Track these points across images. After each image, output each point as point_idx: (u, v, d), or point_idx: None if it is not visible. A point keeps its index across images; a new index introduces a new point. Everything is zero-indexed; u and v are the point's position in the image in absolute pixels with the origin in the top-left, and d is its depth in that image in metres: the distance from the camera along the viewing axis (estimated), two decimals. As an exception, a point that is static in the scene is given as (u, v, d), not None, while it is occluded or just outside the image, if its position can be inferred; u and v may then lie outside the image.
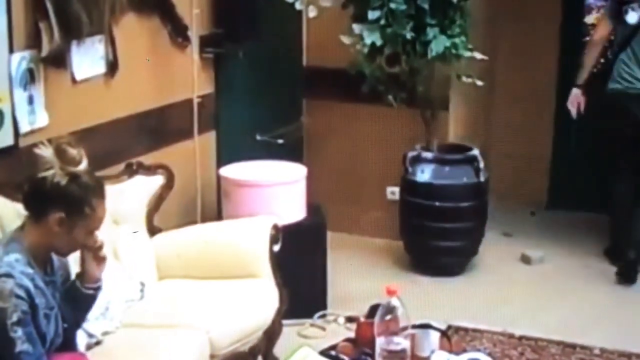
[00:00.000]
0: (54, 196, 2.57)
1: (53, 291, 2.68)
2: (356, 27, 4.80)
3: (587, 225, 5.88)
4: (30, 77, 3.58)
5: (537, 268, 5.36)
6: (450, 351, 3.03)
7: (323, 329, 4.49)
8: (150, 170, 4.04)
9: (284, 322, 4.00)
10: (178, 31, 4.50)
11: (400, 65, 4.96)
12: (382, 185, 5.66)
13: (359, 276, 5.04)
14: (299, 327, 4.43)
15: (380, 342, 2.82)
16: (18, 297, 2.49)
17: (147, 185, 4.01)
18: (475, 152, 5.21)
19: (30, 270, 2.57)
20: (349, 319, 4.42)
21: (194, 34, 4.58)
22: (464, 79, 5.11)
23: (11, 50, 3.48)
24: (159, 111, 4.43)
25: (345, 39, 4.87)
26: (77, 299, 2.77)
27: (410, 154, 5.19)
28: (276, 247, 3.95)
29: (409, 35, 4.77)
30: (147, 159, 4.18)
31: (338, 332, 4.26)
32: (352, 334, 3.24)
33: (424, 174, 5.13)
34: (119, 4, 4.03)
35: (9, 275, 2.50)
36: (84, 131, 3.77)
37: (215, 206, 4.76)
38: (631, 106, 5.10)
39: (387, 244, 5.54)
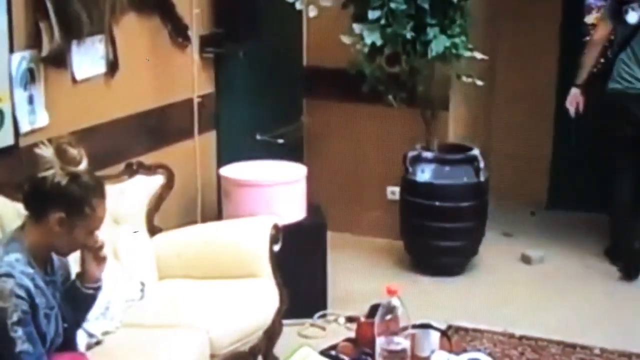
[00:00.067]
0: (54, 196, 2.57)
1: (53, 291, 2.68)
2: (356, 27, 4.80)
3: (587, 225, 5.88)
4: (30, 77, 3.58)
5: (537, 268, 5.36)
6: (451, 351, 3.03)
7: (323, 328, 4.49)
8: (150, 170, 4.04)
9: (284, 322, 4.00)
10: (178, 31, 4.50)
11: (400, 65, 4.96)
12: (383, 185, 5.66)
13: (359, 276, 5.04)
14: (299, 327, 4.43)
15: (380, 342, 2.82)
16: (18, 296, 2.49)
17: (147, 185, 4.01)
18: (476, 152, 5.21)
19: (30, 270, 2.57)
20: (349, 319, 4.42)
21: (194, 33, 4.58)
22: (464, 78, 5.11)
23: (11, 50, 3.48)
24: (159, 111, 4.43)
25: (345, 39, 4.87)
26: (77, 299, 2.77)
27: (411, 153, 5.19)
28: (276, 247, 3.95)
29: (409, 35, 4.77)
30: (147, 158, 4.18)
31: (338, 332, 4.26)
32: (352, 334, 3.24)
33: (424, 174, 5.13)
34: (119, 4, 4.03)
35: (9, 275, 2.50)
36: (84, 131, 3.77)
37: (215, 206, 4.76)
38: (631, 106, 5.10)
39: (387, 243, 5.54)
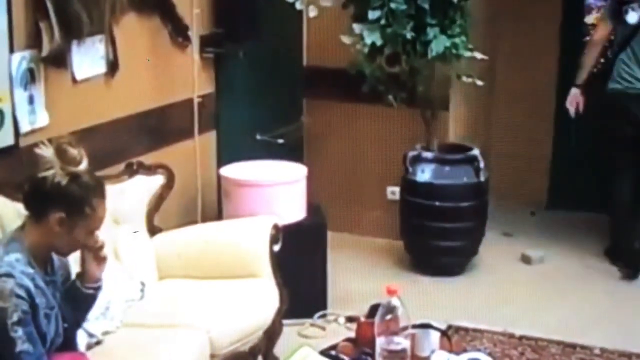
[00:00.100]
0: (55, 196, 2.57)
1: (53, 291, 2.68)
2: (356, 27, 4.80)
3: (587, 225, 5.88)
4: (30, 77, 3.58)
5: (537, 268, 5.36)
6: (451, 351, 3.03)
7: (323, 328, 4.49)
8: (150, 170, 4.04)
9: (284, 322, 4.00)
10: (178, 31, 4.50)
11: (400, 65, 4.96)
12: (383, 185, 5.66)
13: (359, 276, 5.05)
14: (299, 327, 4.43)
15: (380, 342, 2.82)
16: (18, 296, 2.49)
17: (147, 185, 4.01)
18: (476, 152, 5.21)
19: (30, 270, 2.57)
20: (349, 319, 4.42)
21: (194, 33, 4.58)
22: (464, 78, 5.11)
23: (11, 50, 3.48)
24: (159, 111, 4.43)
25: (346, 39, 4.87)
26: (77, 299, 2.77)
27: (411, 153, 5.19)
28: (276, 247, 3.95)
29: (409, 35, 4.77)
30: (148, 158, 4.18)
31: (338, 332, 4.26)
32: (352, 334, 3.24)
33: (424, 174, 5.13)
34: (120, 4, 4.03)
35: (9, 275, 2.50)
36: (84, 131, 3.77)
37: (215, 206, 4.76)
38: (631, 106, 5.10)
39: (387, 243, 5.54)
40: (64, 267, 2.82)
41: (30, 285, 2.53)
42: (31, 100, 3.59)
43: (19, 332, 2.48)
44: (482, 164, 5.16)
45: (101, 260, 2.76)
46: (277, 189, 4.41)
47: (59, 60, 3.69)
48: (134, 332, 3.41)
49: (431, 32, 4.78)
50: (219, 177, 4.58)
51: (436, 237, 5.12)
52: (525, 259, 5.43)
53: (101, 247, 2.73)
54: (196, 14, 4.56)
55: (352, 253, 5.41)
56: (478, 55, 5.01)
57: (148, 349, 3.27)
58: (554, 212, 6.21)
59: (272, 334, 3.87)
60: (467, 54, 4.94)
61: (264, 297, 3.84)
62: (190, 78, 4.61)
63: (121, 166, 4.00)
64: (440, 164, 5.15)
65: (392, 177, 5.45)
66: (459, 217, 5.13)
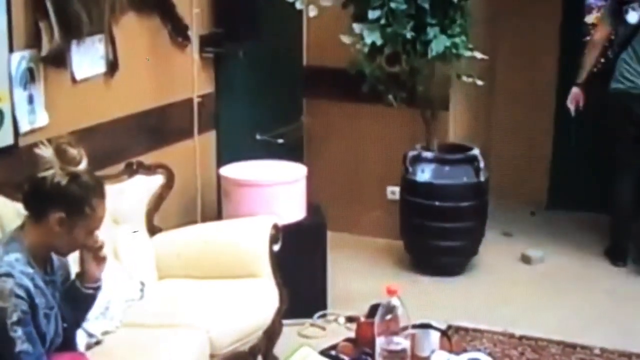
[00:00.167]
0: (54, 196, 2.57)
1: (53, 291, 2.68)
2: (356, 27, 4.80)
3: (587, 225, 5.88)
4: (30, 77, 3.58)
5: (537, 268, 5.36)
6: (451, 351, 3.03)
7: (323, 328, 4.49)
8: (150, 169, 4.04)
9: (284, 321, 4.00)
10: (178, 31, 4.50)
11: (400, 64, 4.96)
12: (382, 185, 5.66)
13: (359, 276, 5.04)
14: (299, 326, 4.43)
15: (380, 342, 2.82)
16: (18, 296, 2.48)
17: (147, 185, 4.00)
18: (476, 151, 5.21)
19: (30, 270, 2.57)
20: (349, 319, 4.42)
21: (194, 33, 4.58)
22: (464, 78, 5.11)
23: (11, 49, 3.48)
24: (159, 111, 4.43)
25: (346, 39, 4.87)
26: (77, 299, 2.77)
27: (411, 153, 5.19)
28: (276, 247, 3.95)
29: (409, 35, 4.77)
30: (147, 158, 4.18)
31: (338, 331, 4.26)
32: (352, 334, 3.24)
33: (424, 174, 5.13)
34: (119, 4, 4.03)
35: (9, 275, 2.50)
36: (84, 131, 3.77)
37: (215, 206, 4.76)
38: (634, 106, 5.10)
39: (387, 243, 5.54)
40: (64, 267, 2.81)
41: (30, 285, 2.53)
42: (31, 100, 3.59)
43: (19, 332, 2.48)
44: (482, 164, 5.15)
45: (101, 260, 2.76)
46: (277, 189, 4.41)
47: (59, 60, 3.69)
48: (133, 332, 3.41)
49: (431, 31, 4.78)
50: (218, 177, 4.58)
51: (436, 237, 5.12)
52: (525, 259, 5.43)
53: (101, 247, 2.73)
54: (196, 14, 4.56)
55: (352, 253, 5.41)
56: (478, 55, 5.01)
57: (148, 349, 3.26)
58: (554, 212, 6.21)
59: (272, 334, 3.87)
60: (467, 53, 4.94)
61: (263, 297, 3.84)
62: (190, 78, 4.61)
63: (121, 166, 4.00)
64: (440, 164, 5.14)
65: (392, 177, 5.45)
66: (459, 217, 5.12)
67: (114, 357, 3.23)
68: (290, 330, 4.23)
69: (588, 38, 5.64)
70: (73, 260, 2.83)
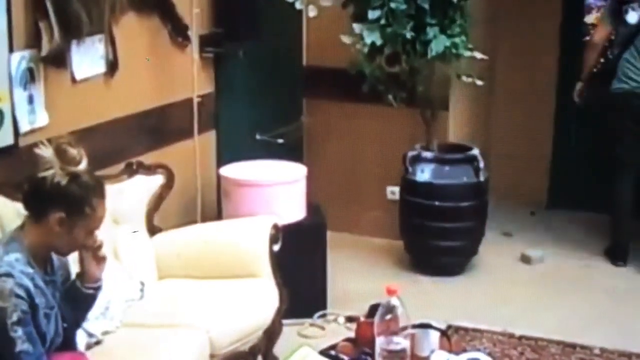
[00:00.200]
0: (54, 196, 2.57)
1: (53, 291, 2.68)
2: (356, 27, 4.80)
3: (587, 225, 5.88)
4: (30, 77, 3.58)
5: (537, 268, 5.36)
6: (450, 351, 3.03)
7: (323, 328, 4.49)
8: (150, 169, 4.04)
9: (284, 321, 4.00)
10: (178, 31, 4.50)
11: (400, 64, 4.96)
12: (382, 185, 5.66)
13: (359, 276, 5.04)
14: (299, 326, 4.43)
15: (380, 341, 2.82)
16: (18, 296, 2.49)
17: (147, 185, 4.00)
18: (475, 151, 5.21)
19: (30, 270, 2.57)
20: (349, 319, 4.42)
21: (194, 33, 4.58)
22: (464, 78, 5.11)
23: (11, 49, 3.48)
24: (159, 111, 4.43)
25: (345, 39, 4.87)
26: (77, 299, 2.77)
27: (410, 153, 5.19)
28: (276, 247, 3.95)
29: (409, 35, 4.77)
30: (147, 158, 4.18)
31: (338, 331, 4.26)
32: (352, 334, 3.24)
33: (424, 174, 5.13)
34: (119, 4, 4.03)
35: (9, 275, 2.50)
36: (84, 131, 3.77)
37: (215, 206, 4.76)
38: (638, 105, 5.09)
39: (387, 243, 5.54)
40: (64, 267, 2.82)
41: (30, 285, 2.53)
42: (31, 100, 3.59)
43: (19, 331, 2.48)
44: (481, 164, 5.15)
45: (100, 260, 2.76)
46: (277, 189, 4.41)
47: (59, 60, 3.69)
48: (133, 332, 3.41)
49: (431, 31, 4.78)
50: (218, 177, 4.58)
51: (436, 237, 5.12)
52: (525, 259, 5.43)
53: (100, 247, 2.73)
54: (196, 14, 4.55)
55: (352, 253, 5.41)
56: (478, 55, 5.01)
57: (148, 348, 3.27)
58: (554, 212, 6.21)
59: (271, 333, 3.87)
60: (467, 53, 4.94)
61: (263, 297, 3.84)
62: (189, 78, 4.61)
63: (121, 166, 4.00)
64: (440, 164, 5.14)
65: (392, 177, 5.45)
66: (459, 217, 5.12)
67: (114, 357, 3.23)
68: (290, 330, 4.23)
69: (588, 38, 5.64)
70: (73, 260, 2.83)
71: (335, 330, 4.39)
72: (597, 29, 5.43)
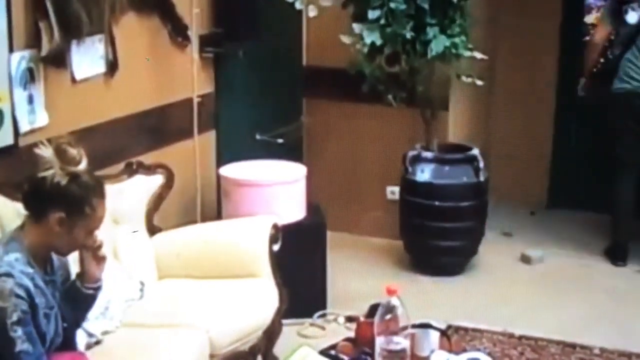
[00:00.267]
0: (54, 196, 2.57)
1: (53, 291, 2.68)
2: (356, 27, 4.80)
3: (587, 225, 5.88)
4: (30, 77, 3.58)
5: (537, 268, 5.36)
6: (450, 351, 3.03)
7: (323, 328, 4.49)
8: (150, 169, 4.04)
9: (284, 321, 4.00)
10: (178, 31, 4.50)
11: (400, 64, 4.96)
12: (382, 185, 5.66)
13: (359, 276, 5.04)
14: (299, 326, 4.43)
15: (380, 341, 2.82)
16: (18, 296, 2.49)
17: (146, 185, 4.00)
18: (475, 151, 5.21)
19: (30, 270, 2.57)
20: (349, 319, 4.42)
21: (194, 33, 4.58)
22: (464, 78, 5.11)
23: (11, 49, 3.48)
24: (159, 110, 4.43)
25: (345, 39, 4.87)
26: (77, 299, 2.77)
27: (410, 153, 5.19)
28: (276, 247, 3.95)
29: (408, 35, 4.77)
30: (147, 158, 4.18)
31: (338, 331, 4.26)
32: (352, 334, 3.24)
33: (424, 174, 5.13)
34: (119, 4, 4.03)
35: (8, 275, 2.50)
36: (83, 131, 3.77)
37: (215, 206, 4.76)
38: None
39: (387, 243, 5.54)
40: (64, 266, 2.82)
41: (30, 284, 2.53)
42: (30, 100, 3.59)
43: (19, 331, 2.48)
44: (481, 164, 5.15)
45: (100, 259, 2.76)
46: (277, 189, 4.41)
47: (59, 60, 3.69)
48: (133, 331, 3.41)
49: (431, 31, 4.78)
50: (218, 177, 4.58)
51: (436, 237, 5.12)
52: (525, 259, 5.43)
53: (100, 247, 2.73)
54: (196, 14, 4.55)
55: (352, 253, 5.41)
56: (478, 55, 5.01)
57: (148, 348, 3.27)
58: (554, 212, 6.21)
59: (271, 333, 3.87)
60: (467, 53, 4.94)
61: (263, 296, 3.84)
62: (189, 78, 4.61)
63: (121, 166, 4.00)
64: (440, 164, 5.14)
65: (392, 177, 5.45)
66: (459, 217, 5.12)
67: (114, 357, 3.23)
68: (290, 330, 4.23)
69: (588, 38, 5.64)
70: (73, 260, 2.83)
71: (335, 330, 4.39)
72: (597, 28, 5.42)
